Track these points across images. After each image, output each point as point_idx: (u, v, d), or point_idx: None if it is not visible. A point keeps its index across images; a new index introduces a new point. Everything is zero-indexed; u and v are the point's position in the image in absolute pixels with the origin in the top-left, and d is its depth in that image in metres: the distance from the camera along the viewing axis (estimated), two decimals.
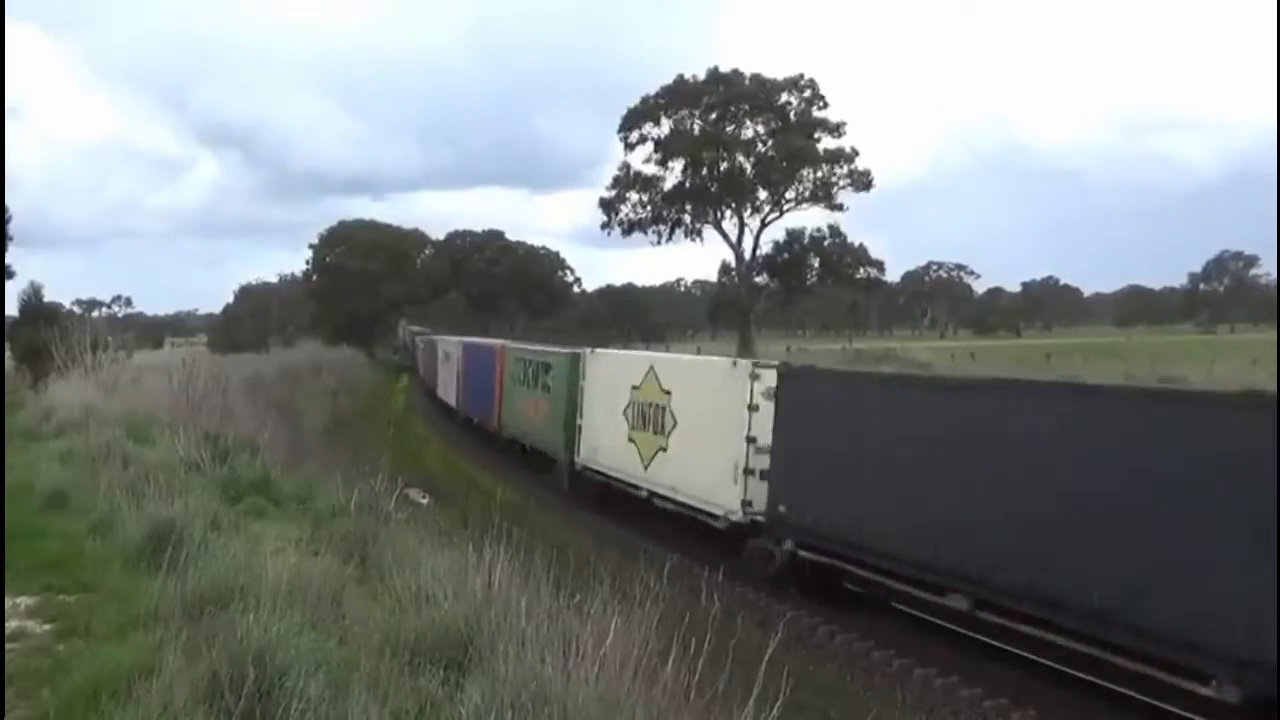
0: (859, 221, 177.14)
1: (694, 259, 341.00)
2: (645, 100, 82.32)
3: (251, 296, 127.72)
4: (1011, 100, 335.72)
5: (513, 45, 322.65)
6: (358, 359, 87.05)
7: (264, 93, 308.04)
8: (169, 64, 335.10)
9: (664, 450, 21.57)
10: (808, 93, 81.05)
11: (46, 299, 37.09)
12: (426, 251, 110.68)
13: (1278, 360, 35.14)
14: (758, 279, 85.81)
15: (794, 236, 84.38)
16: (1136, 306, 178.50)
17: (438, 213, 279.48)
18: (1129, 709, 11.73)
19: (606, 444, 24.57)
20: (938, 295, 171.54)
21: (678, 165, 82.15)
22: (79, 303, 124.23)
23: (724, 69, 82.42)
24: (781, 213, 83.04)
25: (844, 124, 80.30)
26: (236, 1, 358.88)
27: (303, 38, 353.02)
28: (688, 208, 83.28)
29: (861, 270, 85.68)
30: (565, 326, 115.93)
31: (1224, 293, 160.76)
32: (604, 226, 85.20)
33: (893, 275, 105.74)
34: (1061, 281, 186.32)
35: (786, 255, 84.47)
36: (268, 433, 18.71)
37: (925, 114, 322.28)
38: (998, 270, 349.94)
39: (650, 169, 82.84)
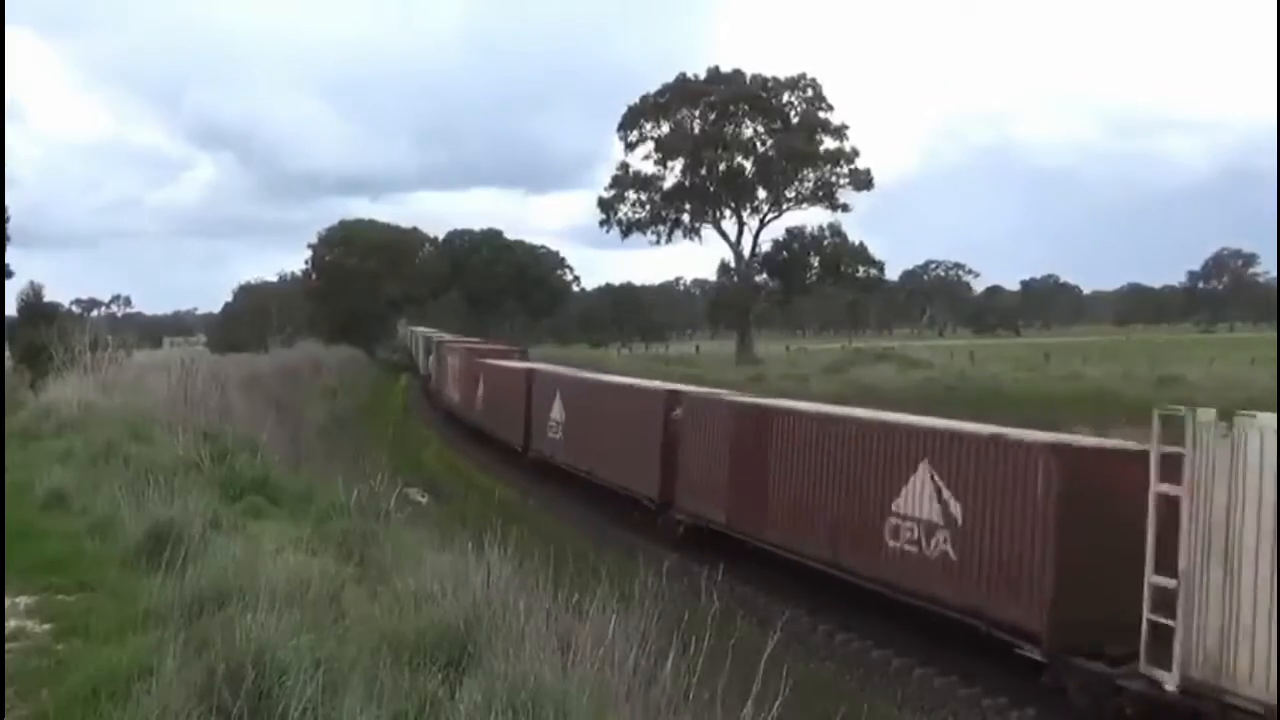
0: (856, 221, 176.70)
1: (694, 258, 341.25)
2: (646, 98, 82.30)
3: (250, 296, 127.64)
4: (1003, 98, 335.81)
5: (509, 46, 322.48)
6: (357, 358, 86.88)
7: (257, 94, 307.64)
8: (163, 65, 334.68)
9: None
10: (809, 93, 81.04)
11: (46, 299, 37.06)
12: (426, 250, 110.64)
13: (1278, 360, 35.14)
14: (757, 278, 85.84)
15: (794, 235, 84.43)
16: (1136, 305, 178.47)
17: (436, 213, 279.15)
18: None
19: None
20: (936, 294, 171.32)
21: (677, 165, 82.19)
22: (78, 302, 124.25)
23: (723, 68, 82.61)
24: (780, 212, 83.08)
25: (846, 126, 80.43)
26: (229, 3, 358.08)
27: (295, 39, 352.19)
28: (687, 207, 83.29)
29: (861, 269, 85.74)
30: (565, 327, 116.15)
31: (1223, 291, 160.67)
32: (602, 224, 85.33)
33: (891, 274, 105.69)
34: (1061, 279, 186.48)
35: (786, 254, 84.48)
36: (267, 432, 18.69)
37: (914, 109, 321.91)
38: (997, 269, 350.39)
39: (650, 168, 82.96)
